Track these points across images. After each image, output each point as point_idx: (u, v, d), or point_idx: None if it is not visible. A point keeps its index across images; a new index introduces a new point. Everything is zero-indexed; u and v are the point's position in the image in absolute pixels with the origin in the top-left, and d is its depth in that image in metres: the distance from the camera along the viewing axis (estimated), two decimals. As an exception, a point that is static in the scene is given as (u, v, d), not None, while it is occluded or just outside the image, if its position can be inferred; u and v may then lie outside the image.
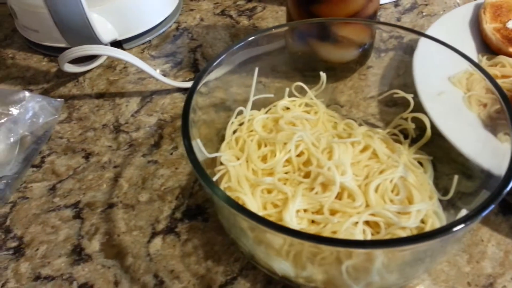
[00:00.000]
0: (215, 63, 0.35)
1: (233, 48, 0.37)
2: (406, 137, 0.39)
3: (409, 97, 0.38)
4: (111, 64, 0.52)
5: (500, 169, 0.27)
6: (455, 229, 0.23)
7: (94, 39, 0.47)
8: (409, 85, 0.41)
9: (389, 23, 0.38)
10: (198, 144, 0.32)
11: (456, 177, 0.33)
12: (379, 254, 0.27)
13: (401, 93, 0.39)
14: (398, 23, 0.57)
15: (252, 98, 0.40)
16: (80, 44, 0.46)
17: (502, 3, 0.50)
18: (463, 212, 0.29)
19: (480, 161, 0.31)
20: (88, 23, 0.44)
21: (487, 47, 0.48)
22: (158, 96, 0.48)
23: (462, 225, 0.23)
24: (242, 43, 0.37)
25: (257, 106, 0.41)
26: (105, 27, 0.51)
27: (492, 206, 0.24)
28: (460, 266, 0.32)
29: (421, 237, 0.23)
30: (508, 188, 0.25)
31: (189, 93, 0.32)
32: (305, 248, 0.28)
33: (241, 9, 0.61)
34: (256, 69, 0.40)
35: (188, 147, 0.28)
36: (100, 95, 0.49)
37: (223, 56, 0.36)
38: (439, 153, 0.37)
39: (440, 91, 0.39)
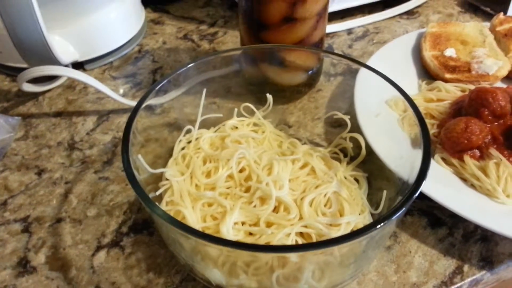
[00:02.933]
0: (162, 83, 0.37)
1: (180, 70, 0.39)
2: (346, 155, 0.42)
3: (346, 118, 0.41)
4: (71, 84, 0.54)
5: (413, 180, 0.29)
6: (367, 232, 0.25)
7: (53, 60, 0.48)
8: (353, 108, 0.44)
9: (332, 52, 0.41)
10: (140, 160, 0.33)
11: (385, 192, 0.36)
12: (308, 263, 0.29)
13: (339, 115, 0.41)
14: (349, 50, 0.60)
15: (200, 118, 0.42)
16: (39, 64, 0.48)
17: (441, 32, 0.54)
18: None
19: (402, 174, 0.34)
20: (47, 45, 0.46)
21: (427, 73, 0.51)
22: (115, 115, 0.50)
23: (376, 227, 0.25)
24: (192, 65, 0.39)
25: (208, 125, 0.43)
26: (66, 49, 0.53)
27: (403, 210, 0.27)
28: (388, 275, 0.34)
29: (333, 241, 0.25)
30: (416, 194, 0.27)
31: (133, 109, 0.34)
32: (239, 258, 0.30)
33: (203, 33, 0.64)
34: (204, 91, 0.42)
35: (126, 162, 0.29)
36: (58, 114, 0.50)
37: (172, 76, 0.38)
38: (374, 169, 0.39)
39: (377, 113, 0.42)
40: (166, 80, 0.37)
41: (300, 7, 0.43)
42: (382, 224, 0.25)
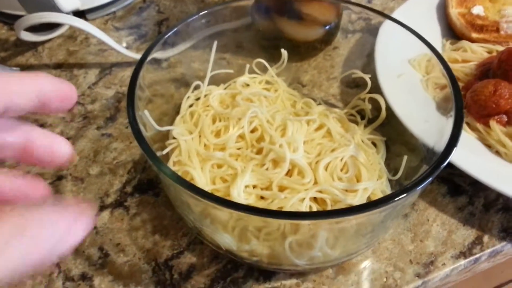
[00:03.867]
0: (169, 34, 0.34)
1: (190, 19, 0.36)
2: (363, 117, 0.39)
3: (367, 77, 0.38)
4: (73, 35, 0.51)
5: (442, 146, 0.27)
6: (385, 203, 0.23)
7: (53, 7, 0.45)
8: (372, 67, 0.41)
9: (353, 2, 0.38)
10: (146, 116, 0.31)
11: (405, 158, 0.33)
12: (322, 230, 0.28)
13: (359, 73, 0.39)
14: (369, 5, 0.56)
15: (209, 73, 0.39)
16: (38, 11, 0.45)
17: (469, -12, 0.50)
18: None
19: (427, 140, 0.31)
20: (45, -10, 0.43)
21: (452, 32, 0.48)
22: (118, 69, 0.47)
23: (399, 197, 0.23)
24: (199, 15, 0.36)
25: (217, 81, 0.41)
26: (66, -5, 0.49)
27: (430, 180, 0.25)
28: (404, 244, 0.33)
29: (352, 209, 0.23)
30: (445, 163, 0.25)
31: (139, 61, 0.31)
32: (250, 223, 0.28)
33: (211, -16, 0.60)
34: (215, 43, 0.39)
35: (132, 117, 0.27)
36: (58, 66, 0.47)
37: (179, 26, 0.35)
38: (393, 134, 0.37)
39: (399, 73, 0.39)
40: (173, 31, 0.34)
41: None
42: (405, 194, 0.23)
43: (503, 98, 0.35)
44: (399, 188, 0.33)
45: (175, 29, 0.35)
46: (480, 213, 0.34)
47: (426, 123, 0.32)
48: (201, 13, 0.36)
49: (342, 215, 0.23)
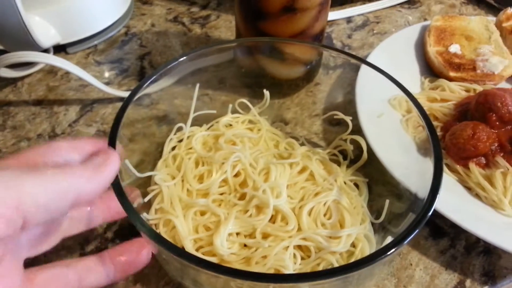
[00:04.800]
0: (153, 77, 0.34)
1: (173, 63, 0.35)
2: (346, 157, 0.39)
3: (348, 119, 0.39)
4: (53, 69, 0.50)
5: (425, 192, 0.27)
6: (378, 258, 0.23)
7: (32, 43, 0.45)
8: (353, 103, 0.42)
9: (331, 47, 0.38)
10: (126, 165, 0.30)
11: (387, 202, 0.34)
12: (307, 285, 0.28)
13: (341, 115, 0.39)
14: (349, 40, 0.58)
15: (192, 115, 0.39)
16: (17, 47, 0.44)
17: (446, 27, 0.51)
18: (389, 239, 0.29)
19: (409, 184, 0.32)
20: (25, 27, 0.42)
21: (430, 69, 0.49)
22: (99, 105, 0.46)
23: (387, 253, 0.23)
24: (185, 57, 0.36)
25: (200, 120, 0.41)
26: (47, 31, 0.49)
27: (416, 231, 0.25)
28: (388, 290, 0.33)
29: (340, 269, 0.23)
30: (430, 211, 0.26)
31: (119, 111, 0.31)
32: (233, 281, 0.28)
33: (194, 16, 0.60)
34: (197, 85, 0.39)
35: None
36: (38, 102, 0.47)
37: (162, 71, 0.35)
38: (375, 174, 0.37)
39: (380, 113, 0.40)
40: (158, 74, 0.34)
41: (302, -3, 0.40)
42: (393, 250, 0.23)
43: (482, 142, 0.36)
44: (383, 232, 0.33)
45: (160, 72, 0.34)
46: (462, 256, 0.35)
47: (407, 168, 0.32)
48: (187, 56, 0.36)
49: (330, 276, 0.23)
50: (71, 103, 0.47)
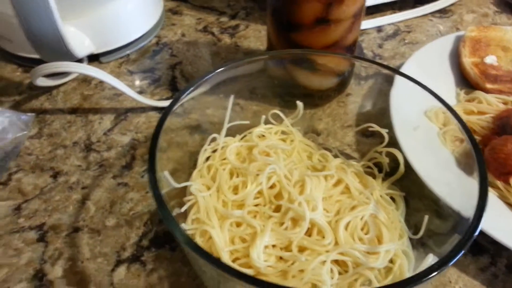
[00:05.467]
0: (187, 92, 0.34)
1: (208, 76, 0.36)
2: (380, 170, 0.39)
3: (384, 131, 0.38)
4: (87, 78, 0.51)
5: (469, 212, 0.26)
6: (423, 279, 0.23)
7: (67, 54, 0.46)
8: (387, 115, 0.41)
9: (366, 59, 0.38)
10: (166, 176, 0.31)
11: (426, 217, 0.33)
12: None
13: (376, 127, 0.39)
14: (380, 50, 0.57)
15: (226, 125, 0.39)
16: (52, 57, 0.45)
17: (480, 37, 0.50)
18: (430, 257, 0.29)
19: (451, 201, 0.31)
20: (61, 38, 0.43)
21: (465, 81, 0.48)
22: (133, 114, 0.47)
23: (431, 275, 0.23)
24: (221, 69, 0.36)
25: (232, 130, 0.41)
26: (81, 41, 0.50)
27: (462, 252, 0.24)
28: (426, 308, 0.32)
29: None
30: (476, 233, 0.25)
31: (157, 125, 0.31)
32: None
33: (223, 26, 0.61)
34: (232, 96, 0.39)
35: (153, 183, 0.27)
36: (73, 111, 0.48)
37: (198, 83, 0.35)
38: (412, 188, 0.37)
39: (416, 126, 0.39)
40: (194, 86, 0.34)
41: (336, 8, 0.40)
42: (438, 271, 0.23)
43: (523, 156, 0.35)
44: (422, 248, 0.32)
45: (196, 84, 0.35)
46: (504, 275, 0.34)
47: (450, 181, 0.32)
48: (221, 69, 0.36)
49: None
50: (105, 111, 0.47)
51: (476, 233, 0.25)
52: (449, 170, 0.34)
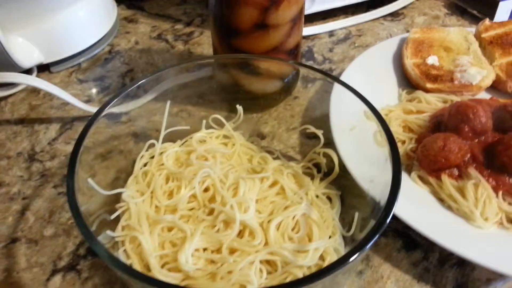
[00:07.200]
0: (117, 98, 0.34)
1: (142, 81, 0.36)
2: (319, 170, 0.39)
3: (319, 132, 0.39)
4: (35, 89, 0.51)
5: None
6: (335, 269, 0.23)
7: (12, 65, 0.46)
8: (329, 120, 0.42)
9: (304, 65, 0.39)
10: (91, 183, 0.31)
11: (357, 214, 0.34)
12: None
13: (312, 129, 0.39)
14: (330, 54, 0.58)
15: (164, 131, 0.39)
16: (-1, 68, 0.45)
17: (424, 39, 0.52)
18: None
19: (374, 194, 0.31)
20: (4, 50, 0.43)
21: (408, 81, 0.49)
22: (79, 123, 0.47)
23: (345, 263, 0.23)
24: (154, 75, 0.37)
25: (175, 137, 0.41)
26: (30, 52, 0.50)
27: (375, 238, 0.25)
28: (357, 304, 0.32)
29: (296, 282, 0.23)
30: (388, 218, 0.26)
31: (85, 125, 0.31)
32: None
33: (178, 33, 0.61)
34: (168, 102, 0.39)
35: (71, 191, 0.27)
36: (19, 121, 0.47)
37: (128, 90, 0.35)
38: (347, 187, 0.37)
39: (353, 126, 0.40)
40: (119, 97, 0.35)
41: (272, 13, 0.40)
42: (350, 260, 0.23)
43: (453, 153, 0.36)
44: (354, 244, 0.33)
45: (127, 91, 0.35)
46: (435, 268, 0.34)
47: (373, 180, 0.32)
48: (158, 73, 0.37)
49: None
50: (51, 121, 0.47)
51: (389, 217, 0.25)
52: (376, 166, 0.35)
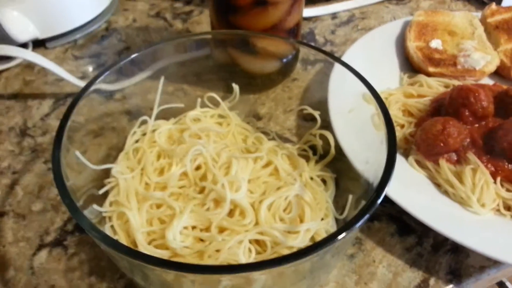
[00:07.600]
0: (107, 72, 0.33)
1: (135, 55, 0.35)
2: (315, 153, 0.39)
3: (316, 114, 0.38)
4: (30, 64, 0.50)
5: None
6: (323, 247, 0.22)
7: (7, 39, 0.45)
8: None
9: (306, 43, 0.37)
10: (78, 156, 0.30)
11: (351, 197, 0.33)
12: (258, 277, 0.27)
13: (309, 110, 0.38)
14: (332, 36, 0.57)
15: (157, 109, 0.38)
16: (-9, 41, 0.44)
17: (428, 22, 0.50)
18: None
19: (368, 176, 0.31)
20: (-3, 22, 0.42)
21: (410, 65, 0.48)
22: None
23: (334, 240, 0.23)
24: (144, 51, 0.36)
25: (169, 115, 0.40)
26: (25, 26, 0.49)
27: (364, 218, 0.24)
28: (347, 287, 0.32)
29: (274, 261, 0.22)
30: (379, 199, 0.25)
31: (75, 97, 0.30)
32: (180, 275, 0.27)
33: (177, 12, 0.60)
34: (162, 78, 0.38)
35: (56, 162, 0.26)
36: (13, 96, 0.47)
37: (121, 63, 0.34)
38: (343, 170, 0.36)
39: (351, 108, 0.39)
40: (115, 67, 0.34)
41: (272, -11, 0.39)
42: (338, 238, 0.22)
43: (452, 137, 0.35)
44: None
45: (118, 64, 0.34)
46: (428, 254, 0.34)
47: (368, 162, 0.31)
48: (151, 48, 0.35)
49: (263, 267, 0.22)
50: (45, 97, 0.47)
51: (380, 199, 0.24)
52: (372, 149, 0.34)
